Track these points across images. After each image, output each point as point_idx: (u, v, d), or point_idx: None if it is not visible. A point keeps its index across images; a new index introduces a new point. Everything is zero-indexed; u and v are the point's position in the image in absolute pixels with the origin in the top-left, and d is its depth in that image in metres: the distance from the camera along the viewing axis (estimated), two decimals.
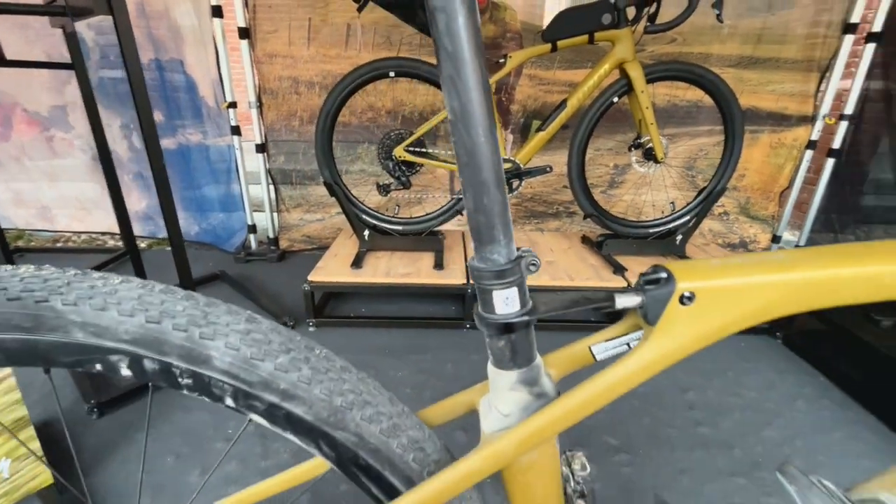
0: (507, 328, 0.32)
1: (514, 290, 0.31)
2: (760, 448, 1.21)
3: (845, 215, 2.34)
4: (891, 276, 0.27)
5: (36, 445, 0.97)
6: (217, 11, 2.01)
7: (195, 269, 2.14)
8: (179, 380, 0.30)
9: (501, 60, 1.63)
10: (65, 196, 2.45)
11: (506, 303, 0.31)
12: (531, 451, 0.34)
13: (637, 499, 1.07)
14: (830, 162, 2.21)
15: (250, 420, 0.32)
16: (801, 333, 1.68)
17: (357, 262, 1.77)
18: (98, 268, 2.13)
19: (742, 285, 0.29)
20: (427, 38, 1.69)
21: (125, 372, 0.30)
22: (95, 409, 1.25)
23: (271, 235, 2.41)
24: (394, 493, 0.33)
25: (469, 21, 0.25)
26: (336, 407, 0.31)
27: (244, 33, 2.04)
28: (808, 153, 2.26)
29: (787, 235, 2.57)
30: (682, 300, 0.30)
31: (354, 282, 1.68)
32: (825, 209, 2.31)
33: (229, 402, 0.31)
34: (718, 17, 1.44)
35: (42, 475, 0.98)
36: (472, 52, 0.25)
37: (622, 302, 0.31)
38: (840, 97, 2.17)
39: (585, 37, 1.57)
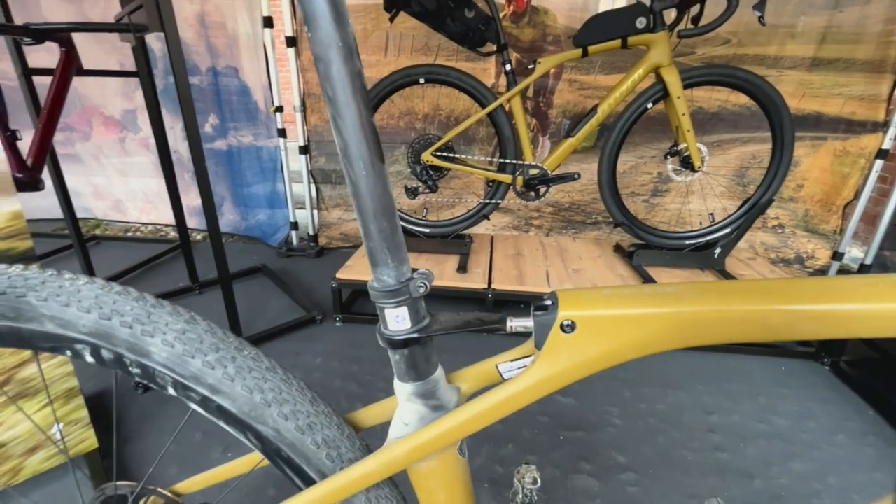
0: (401, 344, 0.34)
1: (405, 309, 0.33)
2: (785, 481, 1.13)
3: None
4: (778, 316, 0.26)
5: (84, 413, 1.10)
6: (268, 22, 2.15)
7: (241, 262, 2.32)
8: (131, 369, 0.35)
9: (531, 66, 1.63)
10: (135, 190, 2.72)
11: (397, 320, 0.33)
12: (427, 458, 0.36)
13: None
14: None
15: (192, 410, 0.37)
16: (851, 361, 1.54)
17: None
18: (156, 258, 2.35)
19: (622, 317, 0.29)
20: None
21: (89, 359, 0.36)
22: (140, 386, 1.39)
23: (311, 232, 2.54)
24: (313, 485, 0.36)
25: (346, 67, 0.27)
26: (256, 402, 0.35)
27: (291, 42, 2.17)
28: (879, 163, 2.05)
29: (853, 252, 2.35)
30: (564, 328, 0.30)
31: None
32: None
33: (171, 391, 0.36)
34: (760, 19, 1.35)
35: (88, 440, 1.11)
36: (350, 96, 0.28)
37: (513, 325, 0.32)
38: None
39: (618, 41, 1.53)
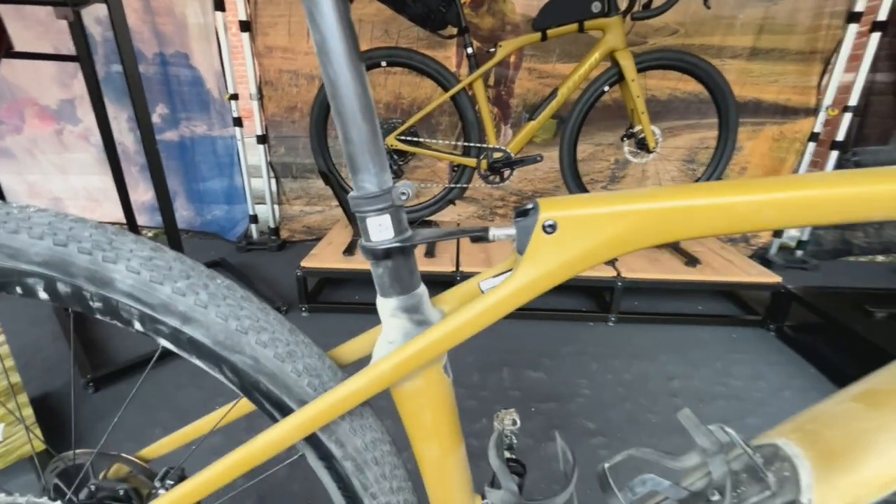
0: (383, 254, 0.34)
1: (387, 216, 0.33)
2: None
3: None
4: (744, 206, 0.28)
5: (29, 412, 1.02)
6: (219, 5, 2.06)
7: (198, 257, 2.20)
8: (91, 303, 0.33)
9: (492, 50, 1.65)
10: (75, 188, 2.54)
11: (379, 229, 0.33)
12: (413, 375, 0.36)
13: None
14: (834, 154, 2.17)
15: (162, 348, 0.35)
16: (794, 326, 1.66)
17: (350, 250, 1.80)
18: None
19: (601, 214, 0.30)
20: (424, 31, 1.71)
21: (42, 295, 0.33)
22: (91, 384, 1.30)
23: (272, 226, 2.46)
24: None
25: None
26: (231, 330, 0.33)
27: (245, 26, 2.09)
28: (811, 146, 2.22)
29: (791, 230, 2.53)
30: (545, 229, 0.31)
31: (346, 268, 1.71)
32: None
33: (137, 326, 0.34)
34: (706, 3, 1.43)
35: (35, 440, 1.03)
36: None
37: (495, 233, 0.33)
38: (844, 89, 2.13)
39: (575, 25, 1.57)
